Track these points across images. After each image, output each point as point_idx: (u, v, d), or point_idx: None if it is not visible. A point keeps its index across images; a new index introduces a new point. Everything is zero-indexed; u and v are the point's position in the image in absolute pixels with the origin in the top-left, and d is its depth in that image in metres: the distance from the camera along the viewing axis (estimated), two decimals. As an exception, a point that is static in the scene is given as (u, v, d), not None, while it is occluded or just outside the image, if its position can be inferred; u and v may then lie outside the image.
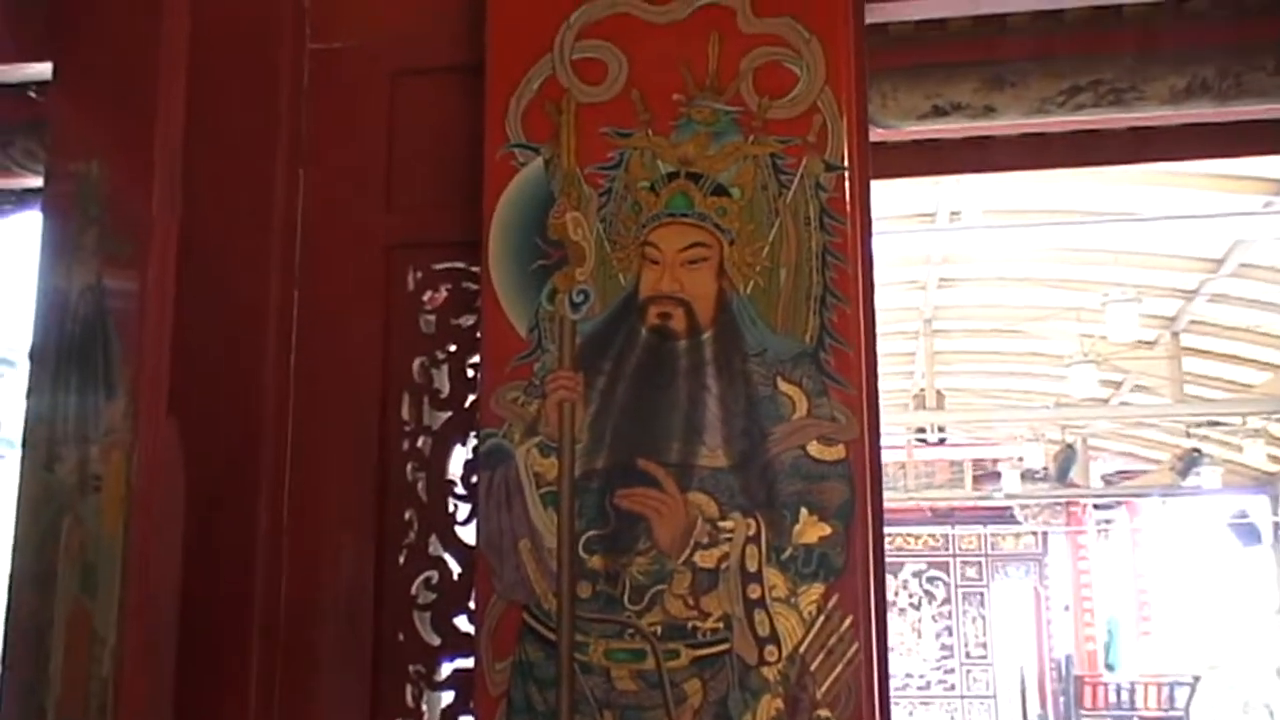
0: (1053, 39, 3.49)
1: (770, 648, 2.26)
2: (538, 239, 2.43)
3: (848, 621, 2.26)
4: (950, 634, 24.33)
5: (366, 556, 2.54)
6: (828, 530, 2.29)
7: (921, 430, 17.14)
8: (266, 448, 2.53)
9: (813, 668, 2.25)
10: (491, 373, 2.41)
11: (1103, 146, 4.00)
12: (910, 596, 24.66)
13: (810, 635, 2.26)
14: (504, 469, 2.36)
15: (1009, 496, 19.57)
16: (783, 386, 2.34)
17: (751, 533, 2.29)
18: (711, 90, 2.46)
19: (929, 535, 24.45)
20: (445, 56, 2.67)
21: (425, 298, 2.64)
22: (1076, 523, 22.56)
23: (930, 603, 24.56)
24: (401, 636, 2.51)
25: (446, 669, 2.49)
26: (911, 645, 24.48)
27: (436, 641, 2.50)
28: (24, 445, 2.52)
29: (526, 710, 2.28)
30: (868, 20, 2.75)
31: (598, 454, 2.35)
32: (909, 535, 24.47)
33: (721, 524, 2.30)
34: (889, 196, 9.00)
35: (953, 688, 24.17)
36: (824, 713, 2.24)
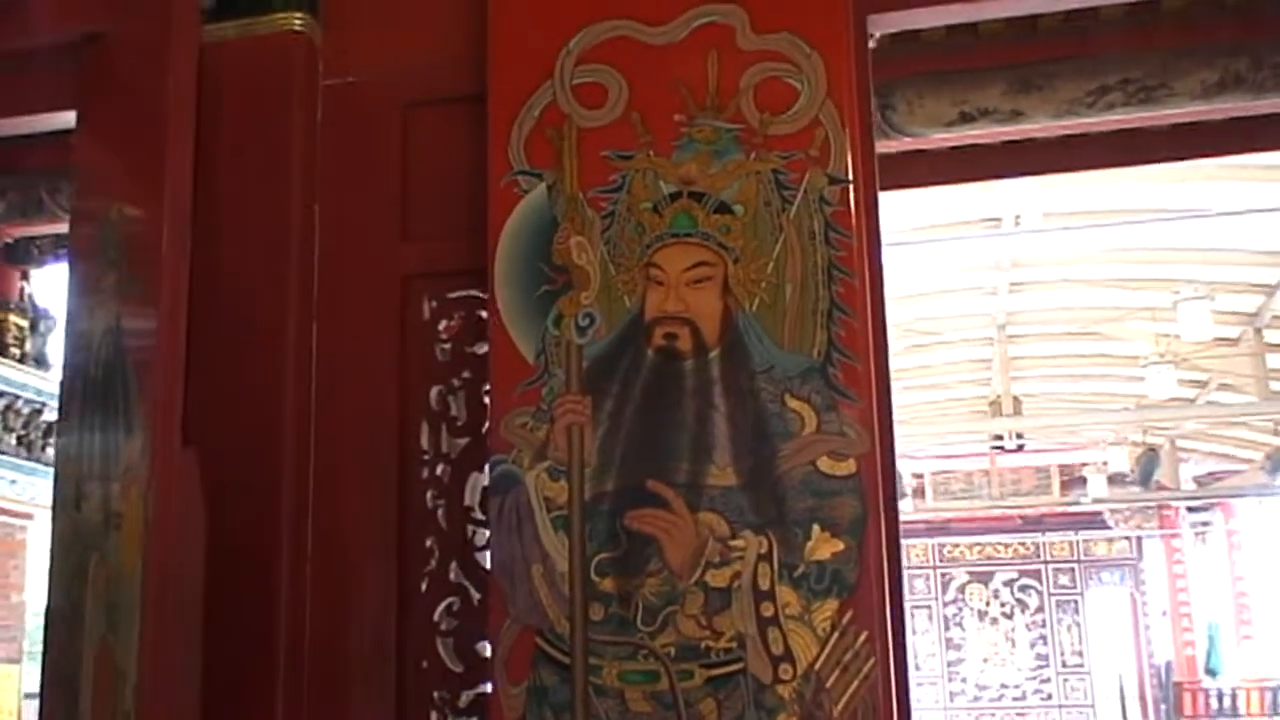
0: (1080, 40, 3.45)
1: (785, 666, 2.25)
2: (542, 264, 2.45)
3: (863, 637, 2.25)
4: (1045, 643, 23.93)
5: (389, 584, 2.56)
6: (840, 546, 2.28)
7: (999, 437, 16.88)
8: (288, 478, 2.57)
9: (828, 685, 2.24)
10: (500, 399, 2.43)
11: (1142, 145, 3.94)
12: (1002, 606, 24.31)
13: (825, 652, 2.25)
14: (514, 494, 2.37)
15: (1096, 501, 19.22)
16: (791, 403, 2.34)
17: (763, 550, 2.29)
18: (712, 109, 2.47)
19: (1018, 543, 24.09)
20: (456, 87, 2.69)
21: (441, 326, 2.67)
22: (1170, 526, 22.08)
23: (1023, 612, 24.18)
24: (425, 664, 2.53)
25: (469, 695, 2.49)
26: (1005, 655, 24.11)
27: (460, 668, 2.52)
28: (54, 485, 2.59)
29: (542, 734, 2.29)
30: (890, 30, 2.75)
31: (607, 476, 2.35)
32: (998, 544, 24.15)
33: (733, 543, 2.30)
34: (949, 203, 8.93)
35: (1049, 697, 23.75)
36: (840, 729, 2.22)
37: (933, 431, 17.18)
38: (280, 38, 2.75)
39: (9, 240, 4.54)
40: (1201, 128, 3.98)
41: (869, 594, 2.27)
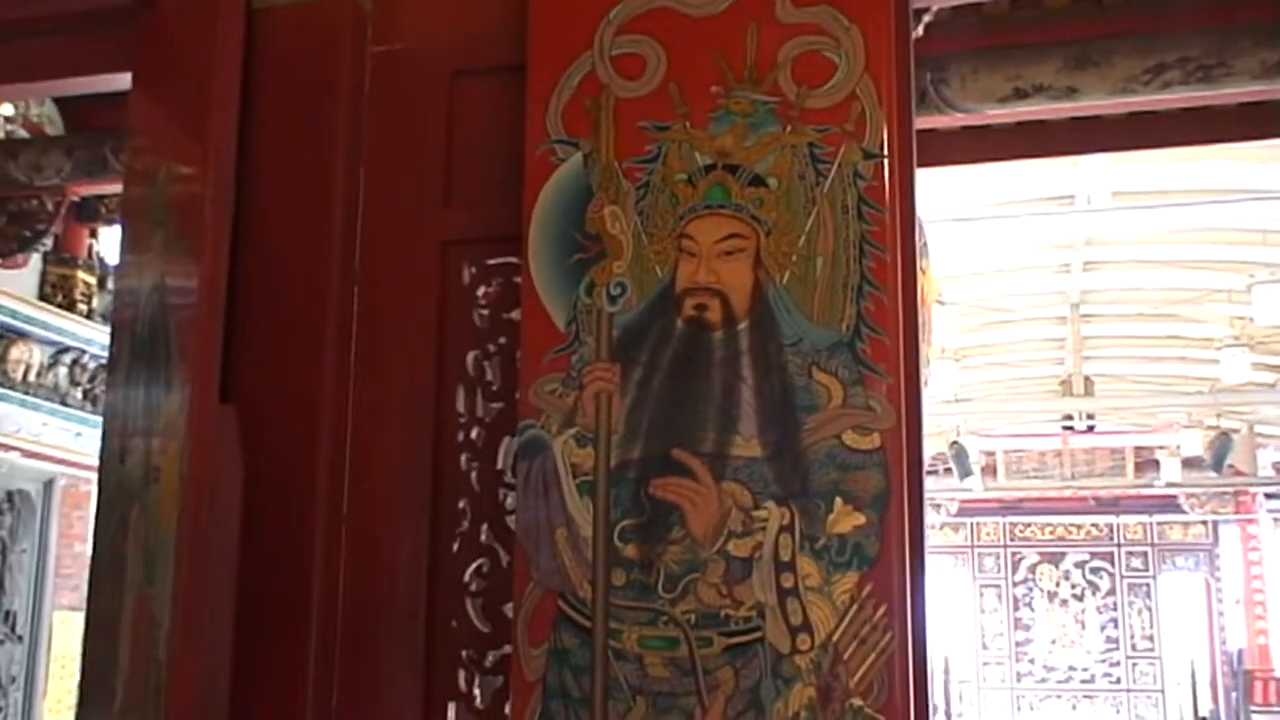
0: (1140, 16, 3.40)
1: (803, 636, 2.27)
2: (576, 233, 2.48)
3: (881, 611, 2.26)
4: (1115, 626, 23.72)
5: (422, 545, 2.61)
6: (862, 520, 2.29)
7: (1069, 418, 16.69)
8: (326, 438, 2.62)
9: (845, 656, 2.25)
10: (530, 365, 2.46)
11: (1207, 123, 3.88)
12: (1073, 588, 24.13)
13: (843, 624, 2.26)
14: (541, 459, 2.41)
15: (1170, 485, 18.98)
16: (818, 376, 2.35)
17: (785, 522, 2.30)
18: (749, 81, 2.47)
19: (1091, 525, 23.85)
20: (501, 56, 2.71)
21: (479, 292, 2.70)
22: (1247, 512, 21.75)
23: (1094, 594, 23.96)
24: (454, 623, 2.58)
25: (495, 655, 2.54)
26: (1074, 637, 23.94)
27: (487, 628, 2.56)
28: (102, 440, 2.66)
29: (561, 696, 2.32)
30: (937, 4, 2.74)
31: (633, 444, 2.38)
32: (1070, 524, 23.92)
33: (755, 513, 2.31)
34: (1022, 179, 8.83)
35: (1118, 681, 23.56)
36: (856, 701, 2.24)
37: (1003, 409, 17.03)
38: (330, 4, 2.80)
39: (77, 199, 4.65)
40: (1267, 107, 3.92)
41: (889, 568, 2.28)
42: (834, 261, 2.38)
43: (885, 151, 2.42)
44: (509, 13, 2.69)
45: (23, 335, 5.64)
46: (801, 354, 2.36)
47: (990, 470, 20.94)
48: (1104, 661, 23.64)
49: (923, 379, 3.71)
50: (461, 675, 2.57)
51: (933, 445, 18.33)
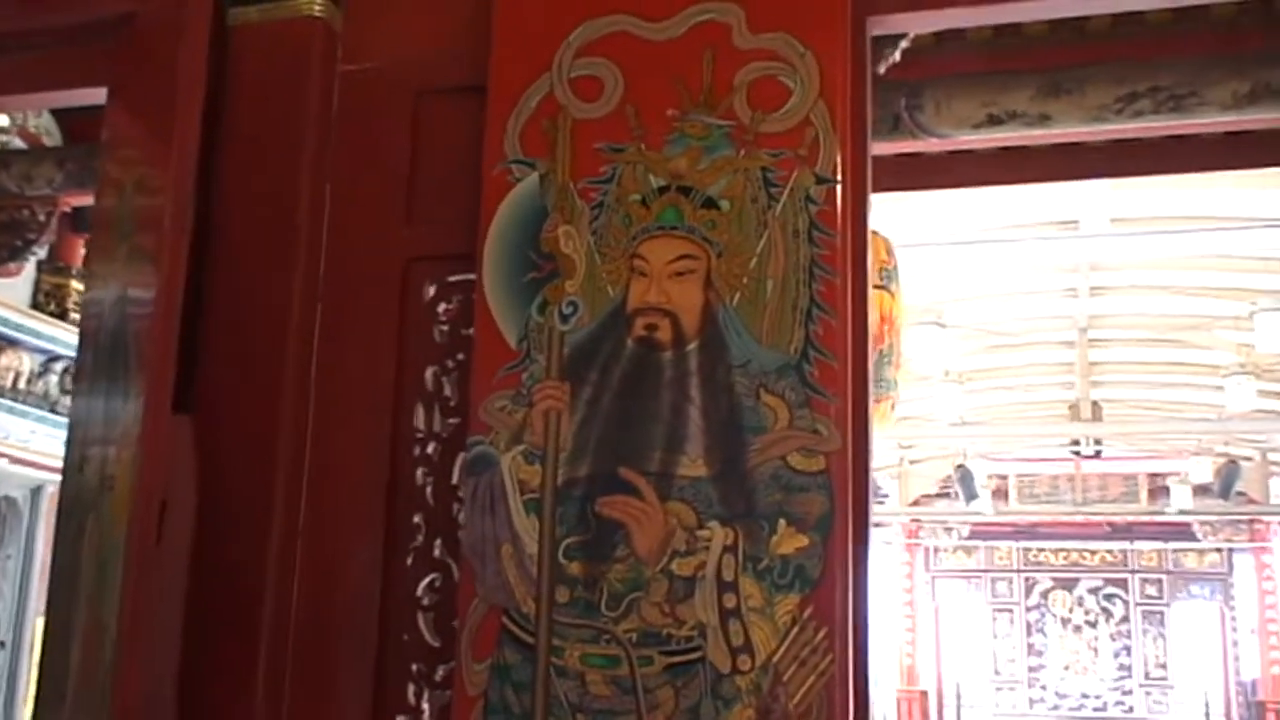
0: (1118, 44, 3.42)
1: (743, 657, 2.28)
2: (531, 252, 2.50)
3: (822, 633, 2.27)
4: (1128, 654, 23.48)
5: (376, 558, 2.63)
6: (805, 541, 2.30)
7: (1076, 443, 16.61)
8: (284, 450, 2.65)
9: (785, 678, 2.26)
10: (481, 381, 2.49)
11: (1185, 152, 3.90)
12: (1086, 614, 23.91)
13: (784, 646, 2.27)
14: (489, 475, 2.43)
15: (1181, 512, 18.87)
16: (765, 398, 2.37)
17: (729, 542, 2.32)
18: (705, 105, 2.50)
19: (1105, 551, 23.67)
20: (465, 77, 2.74)
21: (440, 308, 2.73)
22: (1261, 540, 21.58)
23: (1107, 621, 23.76)
24: (405, 637, 2.60)
25: (445, 669, 2.55)
26: (1087, 664, 23.72)
27: (438, 643, 2.58)
28: (66, 449, 2.69)
29: (502, 711, 2.34)
30: (886, 32, 2.77)
31: (581, 462, 2.40)
32: (1084, 550, 23.75)
33: (699, 533, 2.33)
34: (1022, 204, 8.84)
35: (1131, 710, 23.31)
36: (795, 723, 2.25)
37: (1009, 433, 16.97)
38: (300, 23, 2.84)
39: (69, 209, 4.71)
40: (1249, 136, 3.93)
41: (831, 590, 2.29)
42: (784, 284, 2.40)
43: (838, 176, 2.44)
44: (474, 34, 2.73)
45: (13, 343, 5.71)
46: (750, 375, 2.38)
47: (1002, 494, 20.85)
48: (1117, 689, 23.41)
49: (891, 401, 3.74)
50: (411, 689, 2.58)
51: (939, 468, 18.30)
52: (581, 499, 2.38)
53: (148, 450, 2.30)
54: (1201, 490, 18.68)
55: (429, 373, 2.71)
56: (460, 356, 2.69)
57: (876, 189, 3.74)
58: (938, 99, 3.52)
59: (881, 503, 21.06)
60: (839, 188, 2.44)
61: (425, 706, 2.57)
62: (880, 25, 2.68)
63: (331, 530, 2.65)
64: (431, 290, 2.74)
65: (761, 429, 2.35)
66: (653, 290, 2.44)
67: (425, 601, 2.62)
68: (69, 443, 2.68)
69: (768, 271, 2.41)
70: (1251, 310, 10.07)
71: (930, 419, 15.35)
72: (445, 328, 2.72)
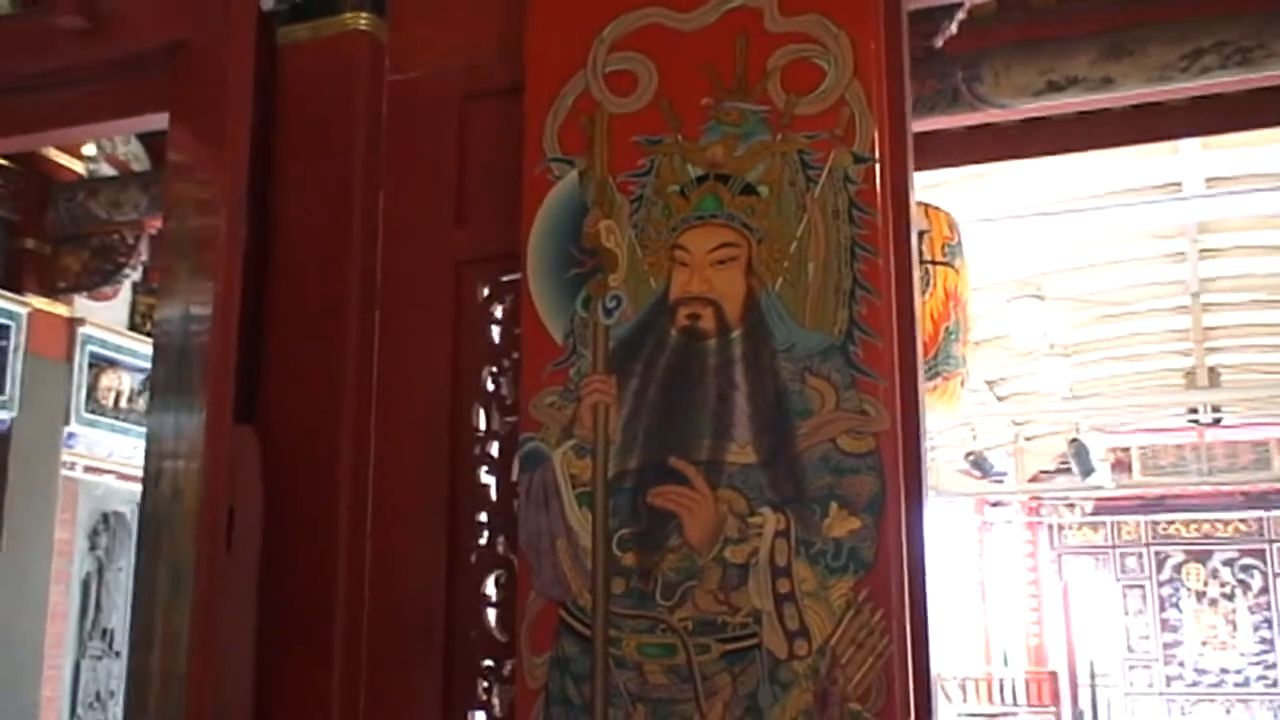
0: (1170, 3, 3.35)
1: (800, 641, 2.28)
2: (573, 248, 2.53)
3: (879, 615, 2.26)
4: (1269, 626, 22.82)
5: (441, 557, 2.68)
6: (857, 523, 2.29)
7: (1194, 411, 16.17)
8: (348, 455, 2.71)
9: (843, 661, 2.26)
10: (530, 379, 2.52)
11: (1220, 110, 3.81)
12: (1222, 586, 23.28)
13: (840, 629, 2.27)
14: (542, 471, 2.46)
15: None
16: (811, 381, 2.36)
17: (781, 527, 2.32)
18: (739, 91, 2.50)
19: (1239, 520, 23.05)
20: (507, 79, 2.77)
21: (493, 309, 2.77)
22: (1405, 504, 20.88)
23: (1245, 593, 23.13)
24: (473, 633, 2.64)
25: (513, 664, 2.59)
26: (1225, 639, 23.12)
27: (505, 638, 2.62)
28: (144, 464, 2.78)
29: (563, 703, 2.37)
30: (924, 6, 2.74)
31: (630, 454, 2.42)
32: (1217, 520, 23.16)
33: (751, 519, 2.33)
34: (1112, 169, 8.67)
35: (1275, 684, 22.66)
36: (855, 706, 2.24)
37: (1125, 405, 16.60)
38: (347, 37, 2.90)
39: (155, 231, 4.84)
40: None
41: (886, 572, 2.28)
42: (825, 266, 2.40)
43: (876, 155, 2.43)
44: (515, 37, 2.76)
45: (113, 363, 5.88)
46: (794, 359, 2.37)
47: (1125, 467, 20.43)
48: (1259, 663, 22.78)
49: (961, 379, 3.70)
50: (481, 685, 2.63)
51: (1056, 444, 17.97)
52: (633, 490, 2.40)
53: (211, 461, 2.37)
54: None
55: (486, 372, 2.75)
56: (515, 355, 2.72)
57: (947, 164, 3.73)
58: (996, 69, 3.49)
59: (1000, 481, 20.78)
60: (877, 166, 2.42)
61: (496, 700, 2.62)
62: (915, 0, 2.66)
63: (398, 532, 2.71)
64: (485, 291, 2.78)
65: (808, 412, 2.35)
66: (695, 280, 2.45)
67: (492, 598, 2.66)
68: (146, 456, 2.77)
69: (809, 254, 2.41)
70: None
71: (1042, 394, 15.07)
72: (499, 328, 2.76)
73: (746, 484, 2.35)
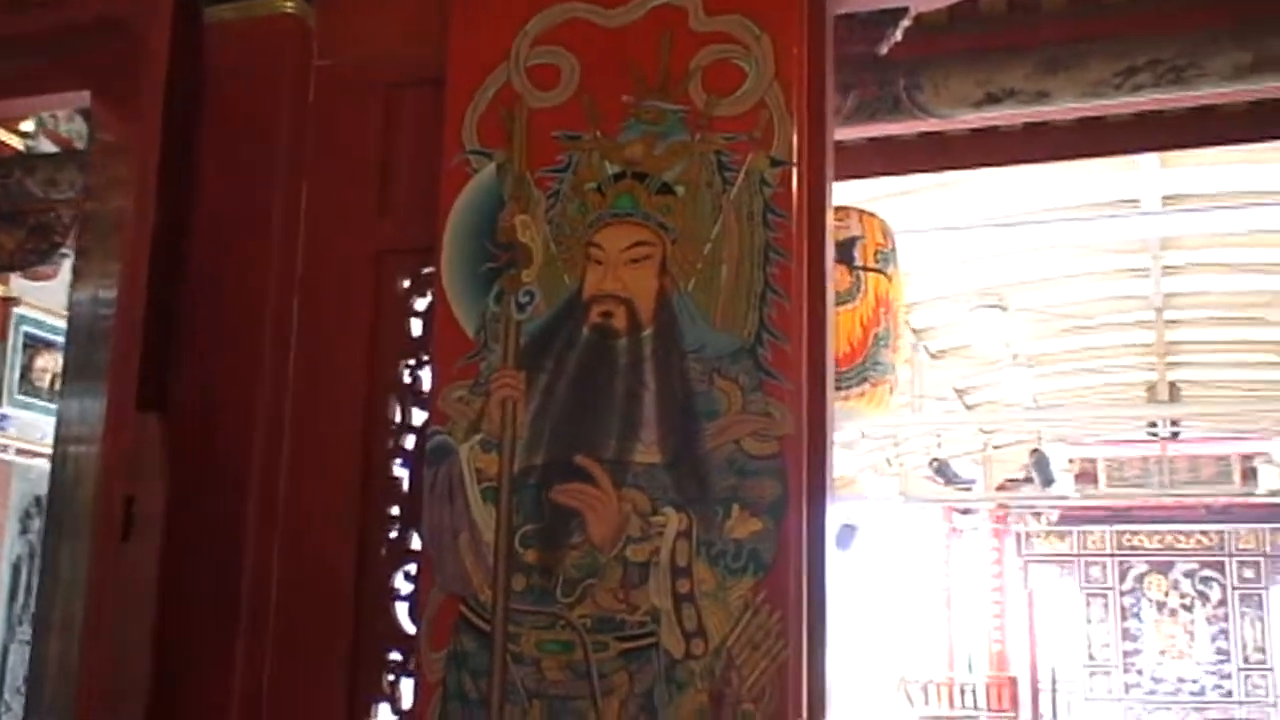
0: (1108, 20, 3.36)
1: (696, 641, 2.27)
2: (488, 242, 2.51)
3: (775, 616, 2.26)
4: (1226, 637, 23.05)
5: (352, 550, 2.66)
6: (758, 525, 2.29)
7: (1154, 425, 16.28)
8: (260, 444, 2.68)
9: (738, 662, 2.25)
10: (441, 372, 2.51)
11: (1163, 128, 3.83)
12: (1182, 598, 23.51)
13: (737, 630, 2.26)
14: (448, 465, 2.45)
15: (1272, 493, 18.44)
16: (719, 382, 2.35)
17: (683, 528, 2.31)
18: (660, 90, 2.49)
19: (1200, 534, 23.25)
20: (435, 69, 2.75)
21: (412, 301, 2.75)
22: (1357, 520, 21.05)
23: (1204, 604, 23.33)
24: (381, 626, 2.63)
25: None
26: (1183, 649, 23.32)
27: (413, 630, 2.60)
28: (53, 448, 2.76)
29: (460, 698, 2.36)
30: (846, 11, 2.74)
31: (537, 450, 2.41)
32: (1180, 533, 23.35)
33: (653, 519, 2.33)
34: (1081, 184, 8.71)
35: (1229, 694, 22.89)
36: (748, 707, 2.24)
37: (1087, 417, 16.70)
38: (274, 19, 2.86)
39: (97, 212, 4.79)
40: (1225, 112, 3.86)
41: (785, 574, 2.28)
42: (738, 268, 2.39)
43: (793, 159, 2.42)
44: (442, 27, 2.74)
45: (49, 345, 5.85)
46: (704, 360, 2.37)
47: (1091, 478, 20.56)
48: (1214, 673, 22.99)
49: (889, 385, 3.71)
50: (387, 677, 2.62)
51: (1023, 453, 18.06)
52: (537, 487, 2.39)
53: (110, 447, 2.35)
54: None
55: (403, 365, 2.74)
56: (433, 348, 2.71)
57: (895, 171, 3.72)
58: (936, 79, 3.49)
59: (968, 489, 20.88)
60: (794, 170, 2.42)
61: (401, 694, 2.60)
62: (840, 4, 2.66)
63: (308, 523, 2.68)
64: (405, 283, 2.76)
65: (715, 414, 2.34)
66: (608, 278, 2.44)
67: (401, 591, 2.65)
68: (55, 439, 2.76)
69: (722, 256, 2.40)
70: (1312, 285, 9.81)
71: (1008, 404, 15.17)
72: (418, 320, 2.75)
73: (651, 484, 2.34)
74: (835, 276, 3.60)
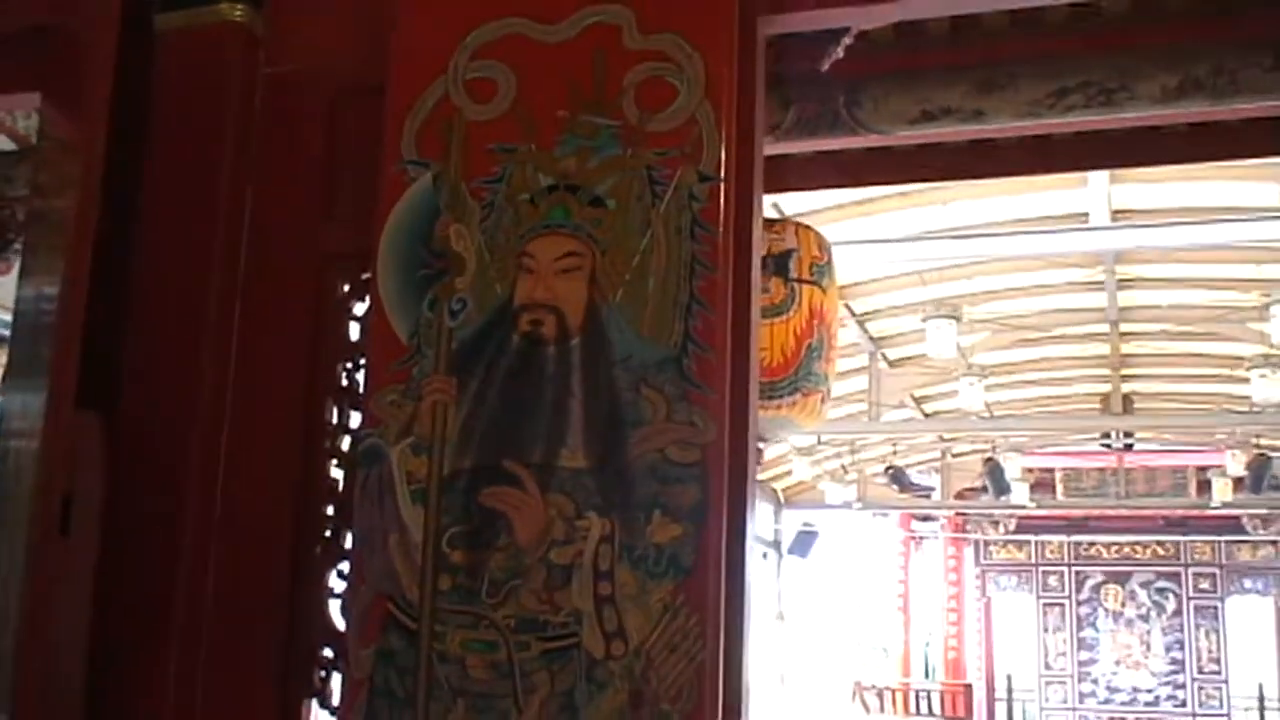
0: (1042, 41, 3.44)
1: (617, 643, 2.34)
2: (423, 250, 2.58)
3: (694, 619, 2.33)
4: (1181, 648, 23.24)
5: (287, 549, 2.72)
6: (679, 530, 2.36)
7: (1107, 436, 16.45)
8: (199, 444, 2.74)
9: (657, 663, 2.32)
10: (375, 376, 2.57)
11: (1106, 147, 3.92)
12: (1138, 608, 23.69)
13: (656, 632, 2.33)
14: (379, 467, 2.51)
15: (1226, 505, 18.64)
16: (645, 391, 2.42)
17: (606, 532, 2.38)
18: (595, 105, 2.56)
19: (1157, 544, 23.44)
20: (379, 79, 2.81)
21: (352, 305, 2.81)
22: (1313, 533, 21.28)
23: (1160, 615, 23.52)
24: (314, 624, 2.69)
25: (347, 654, 2.64)
26: (1139, 658, 23.51)
27: (344, 627, 2.66)
28: (-3, 443, 2.80)
29: (386, 694, 2.42)
30: (779, 31, 2.81)
31: (465, 454, 2.47)
32: (1136, 544, 23.54)
33: (578, 523, 2.39)
34: (1032, 199, 8.83)
35: (1183, 704, 23.08)
36: (665, 707, 2.31)
37: (1041, 428, 16.86)
38: (222, 27, 2.92)
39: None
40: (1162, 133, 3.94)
41: (704, 578, 2.34)
42: (665, 280, 2.46)
43: (721, 174, 2.49)
44: (386, 36, 2.80)
45: (2, 341, 5.86)
46: (630, 370, 2.43)
47: (1048, 488, 20.73)
48: (1169, 684, 23.19)
49: (821, 396, 3.78)
50: (319, 674, 2.67)
51: (979, 462, 18.22)
52: (466, 490, 2.45)
53: (48, 443, 2.40)
54: (1241, 484, 18.44)
55: (341, 368, 2.80)
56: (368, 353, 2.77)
57: (846, 184, 3.80)
58: (875, 95, 3.56)
59: (927, 496, 21.01)
60: (722, 185, 2.49)
61: (331, 689, 2.66)
62: (772, 25, 2.73)
63: (245, 522, 2.74)
64: (345, 287, 2.83)
65: (641, 422, 2.41)
66: (539, 287, 2.50)
67: (334, 590, 2.70)
68: (-1, 439, 2.79)
69: (650, 268, 2.47)
70: (1267, 301, 9.95)
71: (965, 413, 15.30)
72: (357, 324, 2.81)
73: (576, 489, 2.41)
74: (770, 289, 3.73)
